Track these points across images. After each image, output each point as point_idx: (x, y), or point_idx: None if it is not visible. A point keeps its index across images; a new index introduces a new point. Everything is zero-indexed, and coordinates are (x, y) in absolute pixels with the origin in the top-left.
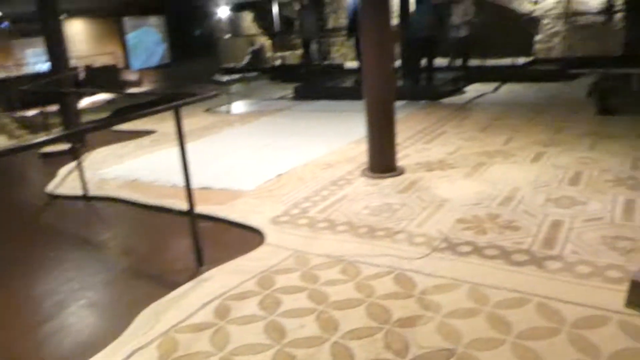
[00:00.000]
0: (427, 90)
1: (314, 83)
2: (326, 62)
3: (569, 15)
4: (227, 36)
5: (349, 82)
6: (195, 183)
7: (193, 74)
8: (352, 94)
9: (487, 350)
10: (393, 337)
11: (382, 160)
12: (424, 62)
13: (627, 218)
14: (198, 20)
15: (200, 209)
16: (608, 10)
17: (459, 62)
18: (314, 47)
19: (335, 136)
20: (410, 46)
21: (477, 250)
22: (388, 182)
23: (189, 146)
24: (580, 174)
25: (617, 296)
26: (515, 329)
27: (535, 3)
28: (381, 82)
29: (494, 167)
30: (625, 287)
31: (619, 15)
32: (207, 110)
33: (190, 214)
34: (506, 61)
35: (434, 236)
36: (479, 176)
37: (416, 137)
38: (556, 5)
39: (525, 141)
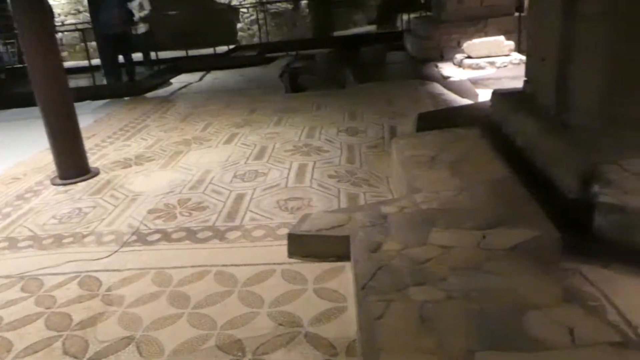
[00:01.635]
0: (129, 86)
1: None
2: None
3: (263, 3)
4: None
5: None
6: None
7: None
8: None
9: (165, 328)
10: (72, 341)
11: (72, 165)
12: (121, 58)
13: (299, 181)
14: None
15: None
16: None
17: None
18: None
19: (25, 146)
20: (103, 42)
21: (166, 236)
22: (81, 187)
23: None
24: (266, 148)
25: (283, 250)
26: (193, 301)
27: None
28: (50, 82)
29: (189, 154)
30: None
31: (304, 3)
32: None
33: None
34: (210, 50)
35: (124, 231)
36: (175, 165)
37: (117, 135)
38: None
39: (222, 125)
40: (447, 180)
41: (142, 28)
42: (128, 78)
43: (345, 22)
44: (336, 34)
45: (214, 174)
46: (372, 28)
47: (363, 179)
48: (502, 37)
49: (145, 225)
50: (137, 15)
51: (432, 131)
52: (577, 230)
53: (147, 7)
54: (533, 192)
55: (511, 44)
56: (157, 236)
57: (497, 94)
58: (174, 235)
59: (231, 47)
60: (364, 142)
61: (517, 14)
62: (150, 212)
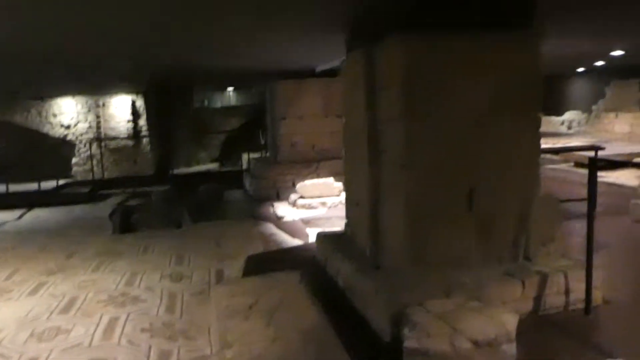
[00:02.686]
0: None
1: None
2: None
3: (101, 139)
4: None
5: None
6: None
7: None
8: None
9: None
10: None
11: None
12: None
13: (106, 337)
14: None
15: None
16: (136, 135)
17: None
18: None
19: None
20: None
21: None
22: None
23: None
24: (76, 299)
25: None
26: None
27: (68, 127)
28: None
29: None
30: None
31: (146, 140)
32: None
33: None
34: (35, 186)
35: None
36: None
37: None
38: (88, 130)
39: (30, 272)
40: (261, 330)
41: None
42: None
43: (189, 159)
44: (178, 171)
45: (6, 333)
46: (214, 166)
47: (181, 331)
48: (331, 179)
49: None
50: None
51: (254, 277)
52: None
53: None
54: (350, 336)
55: (340, 185)
56: None
57: (321, 235)
58: None
59: (62, 182)
60: (188, 288)
61: None
62: None
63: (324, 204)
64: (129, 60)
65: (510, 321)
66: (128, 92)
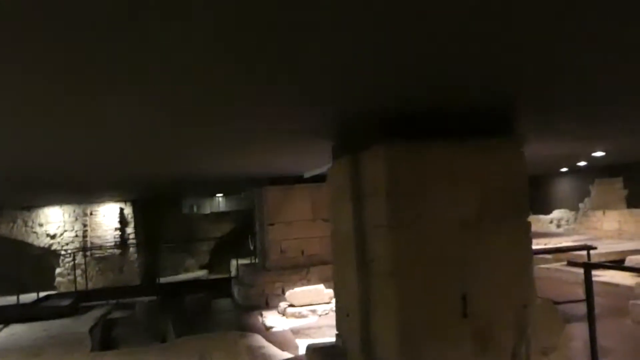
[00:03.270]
0: None
1: None
2: None
3: (87, 249)
4: None
5: None
6: None
7: None
8: None
9: None
10: None
11: None
12: None
13: None
14: None
15: None
16: (122, 244)
17: None
18: None
19: None
20: None
21: None
22: None
23: None
24: None
25: None
26: None
27: (53, 237)
28: None
29: None
30: None
31: (132, 249)
32: None
33: None
34: (14, 299)
35: None
36: None
37: None
38: (74, 239)
39: None
40: None
41: None
42: None
43: (177, 267)
44: (165, 279)
45: None
46: (203, 273)
47: None
48: (322, 286)
49: None
50: None
51: None
52: None
53: None
54: None
55: (331, 292)
56: None
57: (310, 349)
58: None
59: (43, 294)
60: None
61: None
62: None
63: (314, 311)
64: (117, 173)
65: None
66: (116, 200)
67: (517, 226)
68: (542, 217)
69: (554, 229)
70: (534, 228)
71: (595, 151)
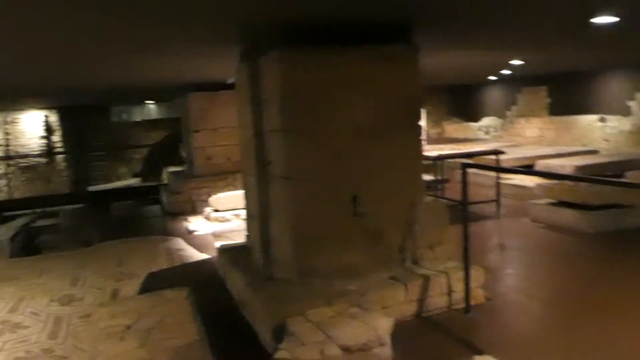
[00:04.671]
0: None
1: None
2: None
3: (10, 157)
4: None
5: None
6: None
7: None
8: None
9: None
10: None
11: None
12: None
13: None
14: None
15: None
16: (49, 152)
17: None
18: None
19: None
20: None
21: None
22: None
23: None
24: None
25: None
26: None
27: None
28: None
29: None
30: None
31: (60, 157)
32: None
33: None
34: None
35: None
36: None
37: None
38: None
39: None
40: (132, 352)
41: None
42: None
43: (109, 175)
44: (95, 188)
45: None
46: (136, 181)
47: (61, 356)
48: None
49: None
50: None
51: (142, 296)
52: None
53: None
54: (232, 352)
55: None
56: None
57: (222, 249)
58: None
59: None
60: (77, 311)
61: None
62: None
63: (237, 215)
64: (39, 75)
65: (383, 325)
66: (40, 107)
67: (409, 132)
68: (472, 124)
69: (482, 136)
70: (463, 134)
71: (513, 59)
